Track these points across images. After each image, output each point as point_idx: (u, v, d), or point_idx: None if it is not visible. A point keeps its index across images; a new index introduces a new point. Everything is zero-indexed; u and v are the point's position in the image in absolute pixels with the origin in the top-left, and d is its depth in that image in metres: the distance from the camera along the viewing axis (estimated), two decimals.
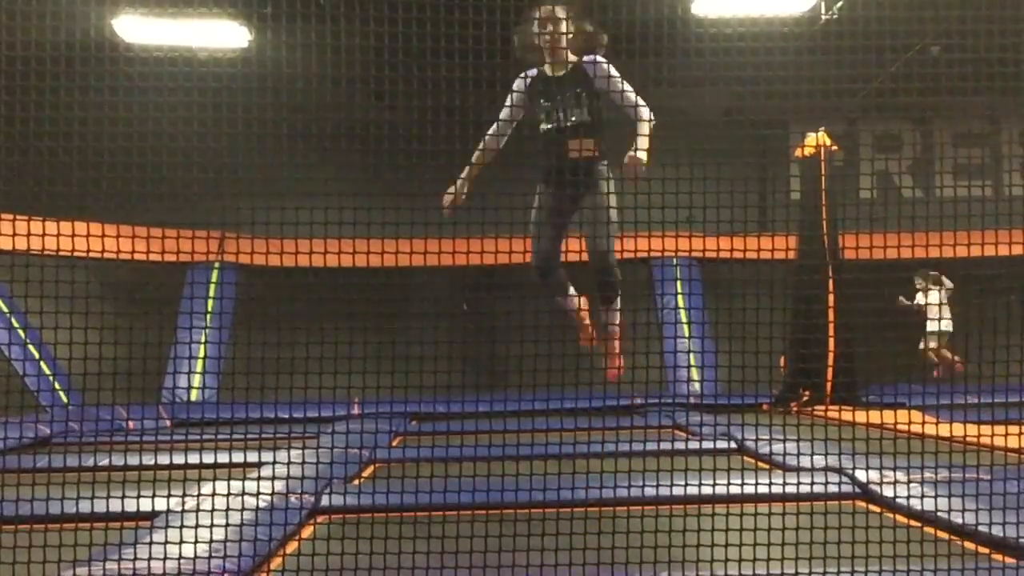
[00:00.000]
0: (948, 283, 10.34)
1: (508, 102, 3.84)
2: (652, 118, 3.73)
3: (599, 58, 3.72)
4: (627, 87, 3.70)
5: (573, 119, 3.65)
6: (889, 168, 9.49)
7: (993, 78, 4.45)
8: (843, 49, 4.44)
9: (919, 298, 10.59)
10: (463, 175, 3.90)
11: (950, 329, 10.39)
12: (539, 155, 3.74)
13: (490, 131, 3.85)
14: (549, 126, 3.69)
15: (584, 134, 3.64)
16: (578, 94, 3.66)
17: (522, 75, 3.81)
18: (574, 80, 3.71)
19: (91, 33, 4.49)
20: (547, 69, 3.73)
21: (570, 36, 3.72)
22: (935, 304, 10.08)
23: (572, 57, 3.74)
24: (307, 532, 4.62)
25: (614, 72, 3.71)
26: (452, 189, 3.93)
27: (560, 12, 3.74)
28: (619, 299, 3.65)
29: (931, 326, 10.31)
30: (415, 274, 9.25)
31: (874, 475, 5.11)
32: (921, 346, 10.63)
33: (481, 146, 3.85)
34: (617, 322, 3.72)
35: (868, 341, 9.43)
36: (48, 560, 3.52)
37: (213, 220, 4.87)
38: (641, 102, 3.69)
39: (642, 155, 3.66)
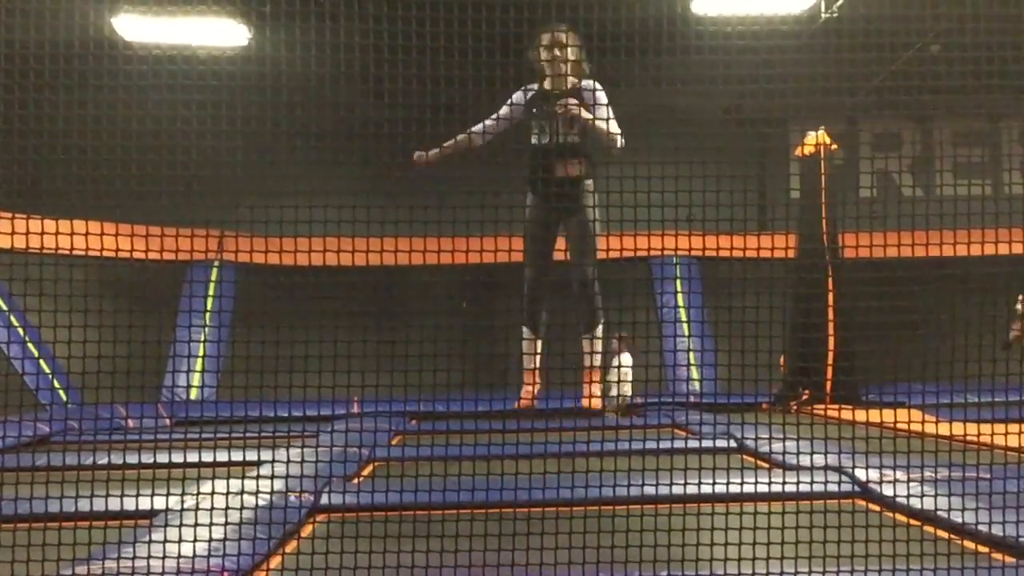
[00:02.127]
0: None
1: (504, 107, 3.90)
2: (622, 146, 3.82)
3: (597, 84, 3.82)
4: (612, 116, 3.80)
5: (565, 138, 3.73)
6: (889, 167, 9.49)
7: (993, 76, 4.45)
8: (843, 47, 4.44)
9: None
10: (444, 146, 3.96)
11: None
12: (528, 167, 3.82)
13: (477, 127, 3.91)
14: (541, 141, 3.76)
15: (573, 154, 3.72)
16: (569, 115, 3.73)
17: (524, 88, 3.88)
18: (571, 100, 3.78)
19: (90, 31, 4.48)
20: (547, 84, 3.80)
21: (573, 60, 3.80)
22: None
23: (572, 79, 3.81)
24: (307, 531, 4.62)
25: (604, 100, 3.79)
26: (427, 151, 4.00)
27: (566, 37, 3.81)
28: (600, 328, 3.71)
29: None
30: (415, 273, 9.25)
31: (874, 474, 5.11)
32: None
33: (465, 133, 3.92)
34: (598, 354, 3.78)
35: (868, 340, 9.42)
36: (47, 559, 3.52)
37: (213, 219, 4.87)
38: (616, 129, 3.79)
39: (585, 114, 3.74)
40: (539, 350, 3.77)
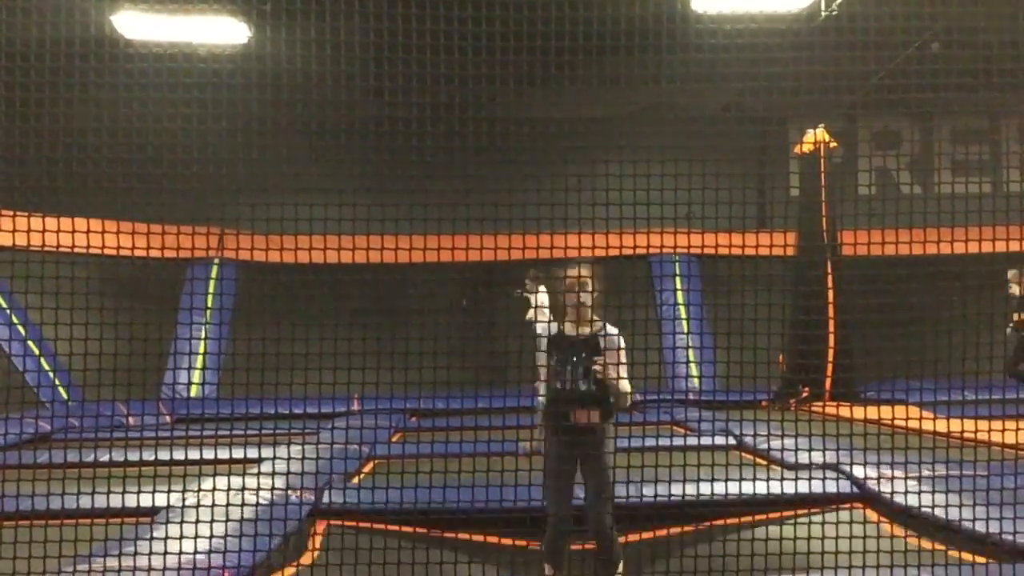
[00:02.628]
0: None
1: (539, 353, 3.92)
2: (631, 401, 3.83)
3: (610, 330, 3.81)
4: (623, 372, 3.80)
5: (581, 387, 3.74)
6: (888, 164, 9.49)
7: (992, 74, 4.45)
8: (842, 45, 4.44)
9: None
10: (538, 423, 3.98)
11: None
12: (550, 412, 3.84)
13: (536, 394, 3.94)
14: (559, 387, 3.77)
15: (589, 403, 3.74)
16: (588, 366, 3.74)
17: (546, 331, 3.89)
18: (587, 349, 3.76)
19: (91, 29, 4.48)
20: (567, 327, 3.79)
21: (594, 298, 3.80)
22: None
23: (587, 323, 3.81)
24: (307, 528, 4.63)
25: (623, 345, 3.80)
26: (532, 437, 4.00)
27: (587, 276, 3.80)
28: (620, 569, 3.72)
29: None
30: (415, 271, 9.24)
31: (871, 471, 5.12)
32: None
33: (538, 413, 3.95)
34: None
35: (867, 337, 9.44)
36: (49, 555, 3.53)
37: (213, 216, 4.87)
38: (627, 388, 3.80)
39: (612, 372, 3.76)
40: None
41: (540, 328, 3.98)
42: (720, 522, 4.70)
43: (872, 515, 4.90)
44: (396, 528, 4.28)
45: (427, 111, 4.36)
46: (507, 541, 4.39)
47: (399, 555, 3.60)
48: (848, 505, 5.00)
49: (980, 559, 3.85)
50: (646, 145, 4.26)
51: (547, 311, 9.78)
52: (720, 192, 4.21)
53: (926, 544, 4.26)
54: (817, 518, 4.63)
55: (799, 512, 4.69)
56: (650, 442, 5.66)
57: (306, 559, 4.24)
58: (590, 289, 3.81)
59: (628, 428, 4.12)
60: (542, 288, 10.26)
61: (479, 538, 4.37)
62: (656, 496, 4.29)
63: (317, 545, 4.38)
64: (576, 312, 3.81)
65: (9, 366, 9.38)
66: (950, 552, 4.06)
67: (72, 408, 8.99)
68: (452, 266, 4.54)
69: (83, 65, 4.27)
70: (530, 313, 10.17)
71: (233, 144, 4.49)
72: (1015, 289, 9.57)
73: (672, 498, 4.27)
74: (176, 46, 4.64)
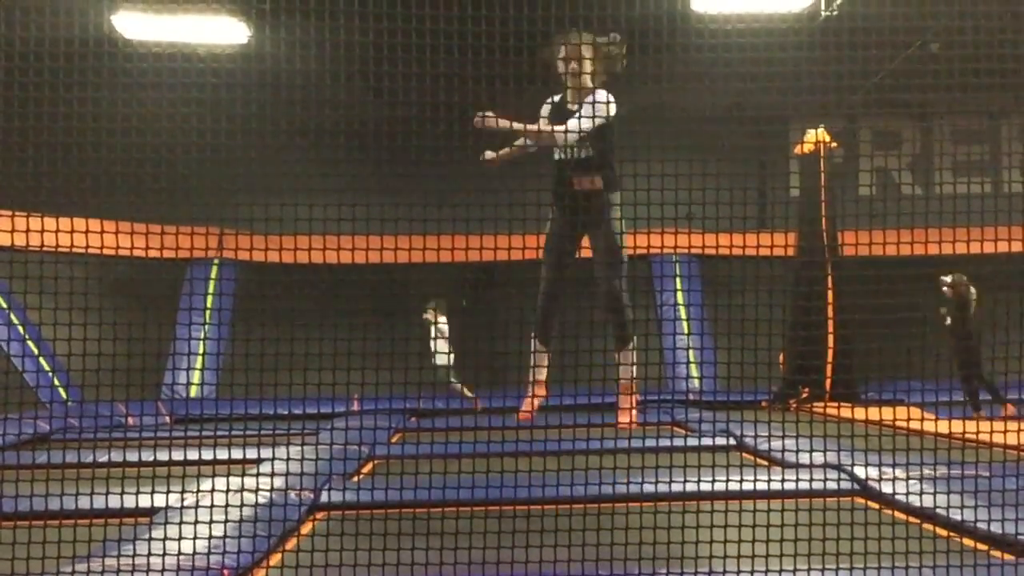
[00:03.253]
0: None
1: (542, 119, 3.88)
2: (568, 139, 3.77)
3: (599, 92, 3.76)
4: (595, 118, 3.74)
5: (578, 153, 3.70)
6: (888, 165, 9.48)
7: (993, 74, 4.45)
8: (842, 45, 4.44)
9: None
10: (512, 145, 3.92)
11: None
12: (552, 181, 3.78)
13: (532, 127, 3.88)
14: (559, 157, 3.73)
15: (586, 169, 3.69)
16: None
17: (547, 100, 3.85)
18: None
19: (90, 29, 4.48)
20: (568, 95, 3.76)
21: (590, 72, 3.76)
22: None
23: (587, 91, 3.76)
24: (307, 528, 4.63)
25: (601, 99, 3.74)
26: (497, 152, 3.95)
27: (584, 49, 3.75)
28: (634, 342, 3.65)
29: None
30: (414, 271, 9.26)
31: (873, 471, 5.12)
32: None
33: (525, 136, 3.87)
34: (631, 368, 3.73)
35: (868, 338, 9.42)
36: (47, 556, 3.52)
37: (213, 216, 4.87)
38: (574, 128, 3.73)
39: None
40: (547, 363, 3.74)
41: (543, 108, 3.87)
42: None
43: (872, 514, 4.90)
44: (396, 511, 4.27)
45: (427, 111, 4.36)
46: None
47: (399, 540, 3.59)
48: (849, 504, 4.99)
49: (996, 553, 3.85)
50: (646, 145, 4.26)
51: (446, 342, 10.21)
52: (720, 192, 4.20)
53: (928, 527, 4.26)
54: (818, 517, 4.62)
55: (800, 506, 4.68)
56: (650, 442, 5.65)
57: (291, 544, 4.23)
58: (588, 58, 3.74)
59: (628, 428, 4.12)
60: (442, 318, 10.60)
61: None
62: (655, 497, 4.28)
63: (307, 531, 4.37)
64: (572, 83, 3.75)
65: (8, 366, 9.37)
66: (953, 539, 4.05)
67: (71, 408, 8.99)
68: (452, 266, 4.54)
69: (83, 65, 4.27)
70: (432, 343, 10.48)
71: (233, 144, 4.49)
72: (948, 292, 9.56)
73: (671, 498, 4.28)
74: (176, 46, 4.63)
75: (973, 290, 9.34)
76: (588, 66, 3.71)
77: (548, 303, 3.66)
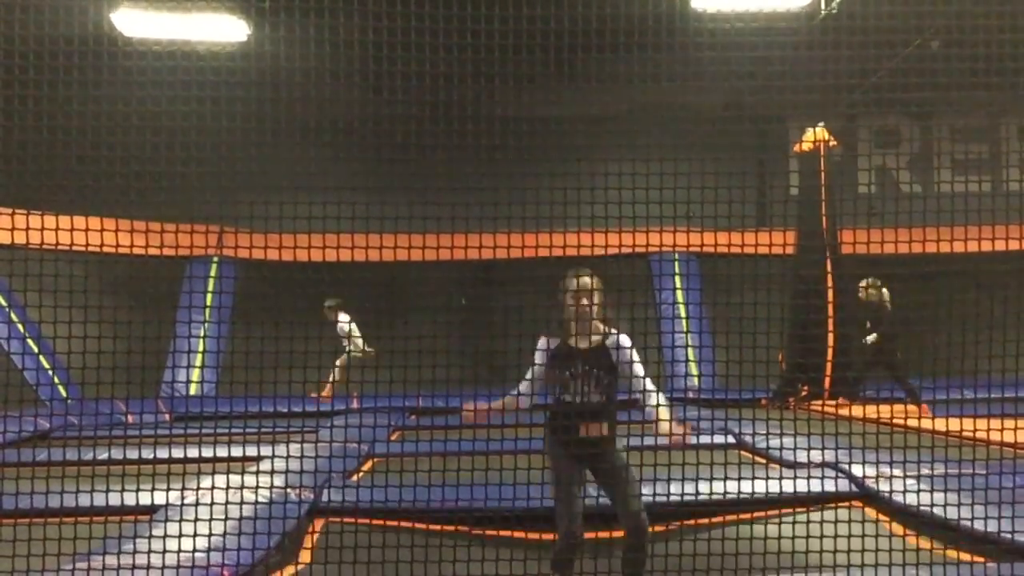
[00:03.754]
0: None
1: (532, 368, 3.83)
2: (663, 402, 3.73)
3: (623, 339, 3.72)
4: (641, 371, 3.72)
5: (591, 398, 3.68)
6: (888, 163, 9.49)
7: (992, 73, 4.45)
8: (842, 44, 4.44)
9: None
10: (492, 405, 3.90)
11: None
12: (558, 424, 3.76)
13: (517, 389, 3.85)
14: (568, 399, 3.70)
15: (596, 416, 3.68)
16: (599, 375, 3.68)
17: (544, 346, 3.80)
18: (597, 358, 3.69)
19: (90, 27, 4.48)
20: (572, 341, 3.71)
21: (599, 309, 3.72)
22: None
23: (597, 333, 3.72)
24: (306, 526, 4.63)
25: (636, 357, 3.72)
26: (475, 409, 3.93)
27: (594, 284, 3.72)
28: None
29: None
30: (414, 269, 9.26)
31: (871, 470, 5.12)
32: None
33: (506, 399, 3.85)
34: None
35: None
36: (48, 553, 3.53)
37: (212, 214, 4.87)
38: (651, 387, 3.71)
39: (675, 427, 3.68)
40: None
41: (539, 355, 3.88)
42: (719, 519, 4.71)
43: (871, 513, 4.91)
44: (395, 524, 4.28)
45: (426, 109, 4.36)
46: (506, 533, 4.38)
47: (398, 553, 3.60)
48: (847, 503, 5.00)
49: (979, 559, 3.85)
50: (646, 144, 4.26)
51: (357, 336, 9.96)
52: (720, 190, 4.21)
53: (925, 544, 4.27)
54: (816, 516, 4.63)
55: (798, 510, 4.69)
56: (649, 441, 5.66)
57: (304, 557, 4.24)
58: (595, 301, 3.74)
59: (627, 426, 4.11)
60: (343, 315, 10.40)
61: (478, 532, 4.37)
62: (655, 496, 4.28)
63: (315, 543, 4.38)
64: (579, 328, 3.73)
65: (8, 364, 9.36)
66: (948, 551, 4.06)
67: (71, 406, 8.98)
68: (452, 264, 4.54)
69: (82, 63, 4.27)
70: (344, 341, 10.26)
71: (232, 142, 4.49)
72: (863, 294, 9.57)
73: (672, 498, 4.28)
74: (175, 44, 4.63)
75: (886, 292, 9.44)
76: (596, 300, 3.70)
77: (567, 544, 3.60)
